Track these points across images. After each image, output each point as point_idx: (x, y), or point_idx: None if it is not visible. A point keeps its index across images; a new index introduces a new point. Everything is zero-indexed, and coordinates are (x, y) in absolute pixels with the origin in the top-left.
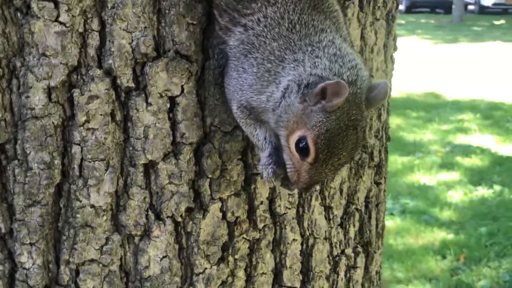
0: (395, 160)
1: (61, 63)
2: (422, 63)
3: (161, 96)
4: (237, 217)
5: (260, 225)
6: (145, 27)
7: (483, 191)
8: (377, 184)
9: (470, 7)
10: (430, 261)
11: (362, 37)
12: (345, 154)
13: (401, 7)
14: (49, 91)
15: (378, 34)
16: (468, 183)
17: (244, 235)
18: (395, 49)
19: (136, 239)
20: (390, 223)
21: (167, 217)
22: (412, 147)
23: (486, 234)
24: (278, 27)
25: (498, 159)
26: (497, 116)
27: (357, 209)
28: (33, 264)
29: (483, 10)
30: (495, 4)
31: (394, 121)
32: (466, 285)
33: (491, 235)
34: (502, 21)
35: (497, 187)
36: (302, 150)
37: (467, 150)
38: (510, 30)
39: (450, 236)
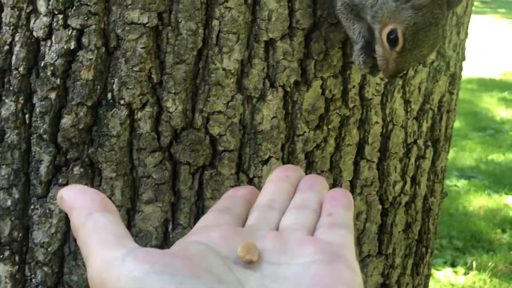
0: (473, 137)
1: None
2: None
3: None
4: (333, 95)
5: (351, 105)
6: None
7: None
8: (450, 93)
9: None
10: (489, 233)
11: None
12: (426, 47)
13: None
14: None
15: None
16: None
17: (337, 111)
18: None
19: (254, 100)
20: (453, 193)
21: (279, 86)
22: (485, 123)
23: None
24: None
25: None
26: None
27: (431, 108)
28: (175, 109)
29: None
30: None
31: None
32: None
33: None
34: None
35: None
36: (392, 40)
37: None
38: None
39: None
